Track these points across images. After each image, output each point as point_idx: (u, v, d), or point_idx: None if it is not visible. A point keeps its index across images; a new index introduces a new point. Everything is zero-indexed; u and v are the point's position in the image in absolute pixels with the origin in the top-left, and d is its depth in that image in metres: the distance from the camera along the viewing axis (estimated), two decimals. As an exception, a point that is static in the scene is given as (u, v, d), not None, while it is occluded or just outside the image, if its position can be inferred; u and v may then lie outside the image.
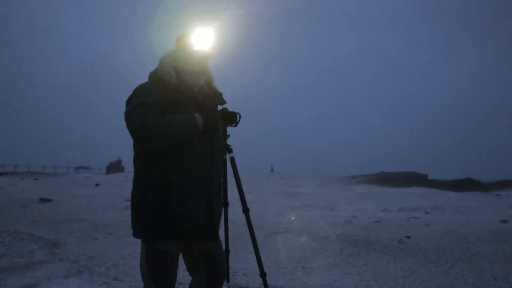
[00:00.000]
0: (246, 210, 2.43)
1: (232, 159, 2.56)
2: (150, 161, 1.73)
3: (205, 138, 1.76)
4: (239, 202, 2.44)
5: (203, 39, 1.87)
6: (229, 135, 2.42)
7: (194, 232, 1.74)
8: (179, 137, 1.67)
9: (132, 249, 4.86)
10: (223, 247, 2.10)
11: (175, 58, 1.85)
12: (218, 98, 1.97)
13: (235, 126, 2.16)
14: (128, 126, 1.66)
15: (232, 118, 2.07)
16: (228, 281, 3.16)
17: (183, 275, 3.18)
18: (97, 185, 17.53)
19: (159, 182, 1.70)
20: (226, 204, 2.82)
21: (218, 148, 1.86)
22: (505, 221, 7.25)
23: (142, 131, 1.60)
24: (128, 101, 1.74)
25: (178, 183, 1.69)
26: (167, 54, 1.88)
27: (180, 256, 1.91)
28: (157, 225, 1.70)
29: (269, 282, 2.58)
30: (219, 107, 2.02)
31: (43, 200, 10.02)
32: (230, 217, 2.76)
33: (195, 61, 1.83)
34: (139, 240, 1.83)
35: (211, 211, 1.77)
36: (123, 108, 1.78)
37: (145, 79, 1.89)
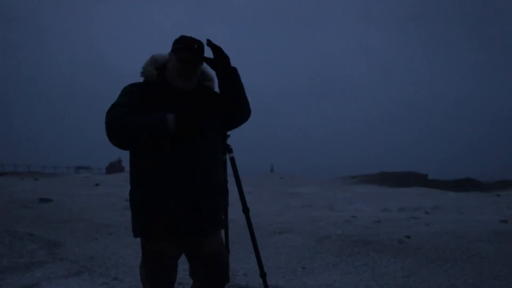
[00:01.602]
0: (246, 210, 2.43)
1: (232, 159, 2.56)
2: (135, 162, 1.77)
3: (183, 138, 1.71)
4: (239, 202, 2.44)
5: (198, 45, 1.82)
6: (229, 135, 2.41)
7: (178, 228, 1.70)
8: (147, 137, 1.66)
9: (132, 249, 4.87)
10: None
11: (157, 59, 1.87)
12: (208, 96, 1.93)
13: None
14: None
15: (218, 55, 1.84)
16: (228, 281, 3.15)
17: (182, 275, 3.18)
18: (97, 185, 17.55)
19: (140, 180, 1.72)
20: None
21: (201, 139, 1.75)
22: (505, 221, 7.25)
23: (110, 131, 1.65)
24: None
25: (156, 179, 1.69)
26: (154, 55, 1.90)
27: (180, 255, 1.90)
28: (143, 223, 1.72)
29: (269, 282, 2.58)
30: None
31: (43, 200, 10.03)
32: (230, 217, 2.76)
33: (182, 63, 1.80)
34: (138, 240, 1.83)
35: (196, 206, 1.71)
36: None
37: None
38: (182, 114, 1.69)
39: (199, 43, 1.81)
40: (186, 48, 1.79)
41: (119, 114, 1.66)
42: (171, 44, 1.87)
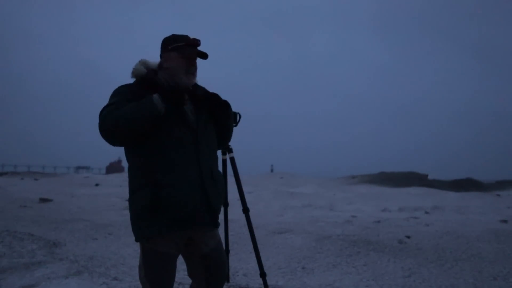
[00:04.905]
0: (246, 210, 2.44)
1: (232, 159, 2.56)
2: (137, 162, 1.77)
3: (174, 116, 1.74)
4: (239, 202, 2.45)
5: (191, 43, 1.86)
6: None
7: (191, 219, 1.73)
8: (140, 122, 1.66)
9: (132, 249, 4.87)
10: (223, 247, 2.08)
11: (146, 62, 1.89)
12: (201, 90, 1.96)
13: (235, 126, 2.14)
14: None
15: (221, 105, 1.91)
16: (228, 281, 3.15)
17: (182, 275, 3.18)
18: (97, 185, 17.55)
19: (147, 178, 1.72)
20: (226, 204, 2.81)
21: (201, 132, 1.81)
22: (505, 221, 7.26)
23: (103, 129, 1.67)
24: None
25: (165, 174, 1.71)
26: (142, 59, 1.92)
27: (180, 256, 1.91)
28: (151, 219, 1.71)
29: (269, 282, 2.58)
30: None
31: (43, 200, 10.02)
32: (230, 217, 2.77)
33: (189, 60, 1.84)
34: (138, 240, 1.83)
35: (206, 196, 1.76)
36: None
37: None
38: (165, 90, 1.73)
39: (199, 40, 1.87)
40: (190, 45, 1.85)
41: (111, 111, 1.68)
42: (161, 45, 1.89)
